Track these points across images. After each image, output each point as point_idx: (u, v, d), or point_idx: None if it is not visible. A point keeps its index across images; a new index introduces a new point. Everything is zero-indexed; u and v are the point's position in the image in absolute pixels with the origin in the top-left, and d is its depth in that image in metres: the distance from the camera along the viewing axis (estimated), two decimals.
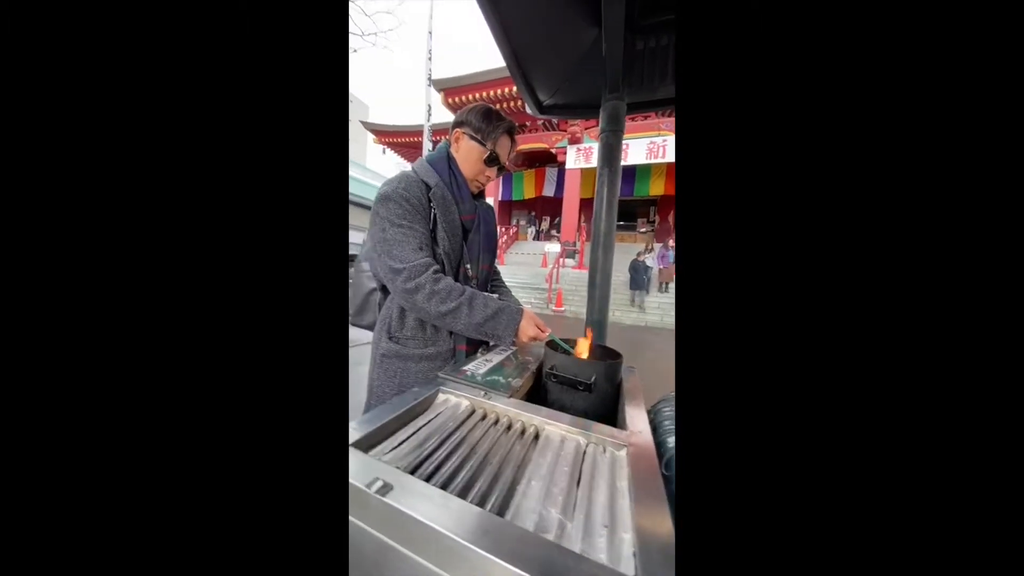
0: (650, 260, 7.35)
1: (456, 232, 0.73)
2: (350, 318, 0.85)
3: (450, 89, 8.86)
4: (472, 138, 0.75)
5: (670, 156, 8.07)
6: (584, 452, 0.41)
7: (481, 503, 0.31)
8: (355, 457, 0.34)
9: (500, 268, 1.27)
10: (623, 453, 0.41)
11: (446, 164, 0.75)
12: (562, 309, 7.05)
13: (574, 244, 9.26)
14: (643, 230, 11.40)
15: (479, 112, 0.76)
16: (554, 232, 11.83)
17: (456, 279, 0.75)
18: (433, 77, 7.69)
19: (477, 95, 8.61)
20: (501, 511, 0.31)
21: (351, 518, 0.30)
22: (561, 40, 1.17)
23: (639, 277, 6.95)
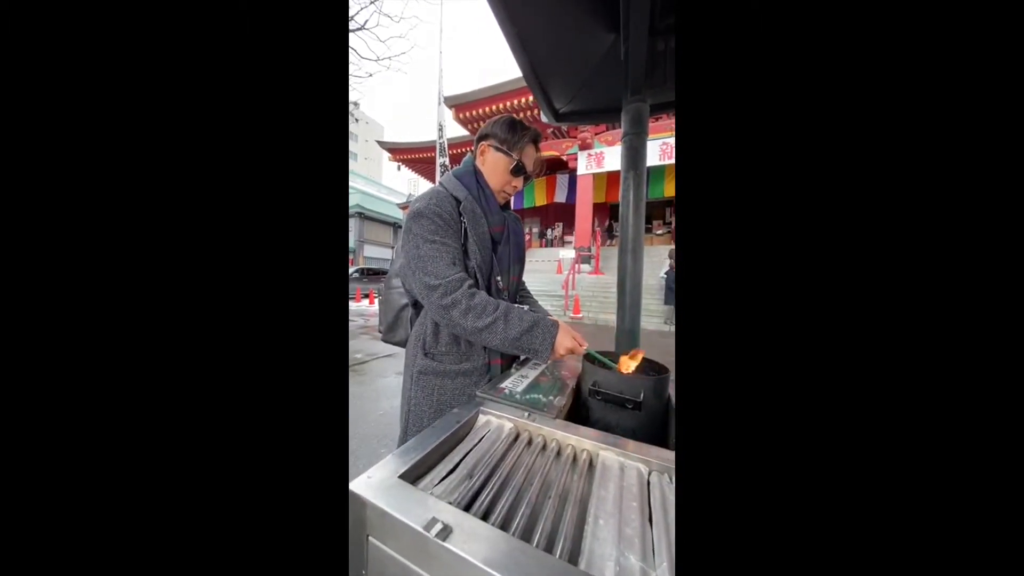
0: None
1: (486, 245, 0.72)
2: (382, 335, 0.85)
3: (460, 105, 9.09)
4: (498, 149, 0.74)
5: None
6: (648, 481, 0.38)
7: (548, 547, 0.28)
8: (405, 491, 0.32)
9: None
10: None
11: (473, 178, 0.74)
12: (580, 316, 6.92)
13: (589, 249, 9.16)
14: (659, 232, 11.14)
15: (504, 123, 0.75)
16: (567, 238, 11.76)
17: (488, 292, 0.73)
18: (445, 94, 7.92)
19: (486, 109, 8.79)
20: (572, 557, 0.28)
21: (408, 563, 0.27)
22: (577, 47, 1.17)
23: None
